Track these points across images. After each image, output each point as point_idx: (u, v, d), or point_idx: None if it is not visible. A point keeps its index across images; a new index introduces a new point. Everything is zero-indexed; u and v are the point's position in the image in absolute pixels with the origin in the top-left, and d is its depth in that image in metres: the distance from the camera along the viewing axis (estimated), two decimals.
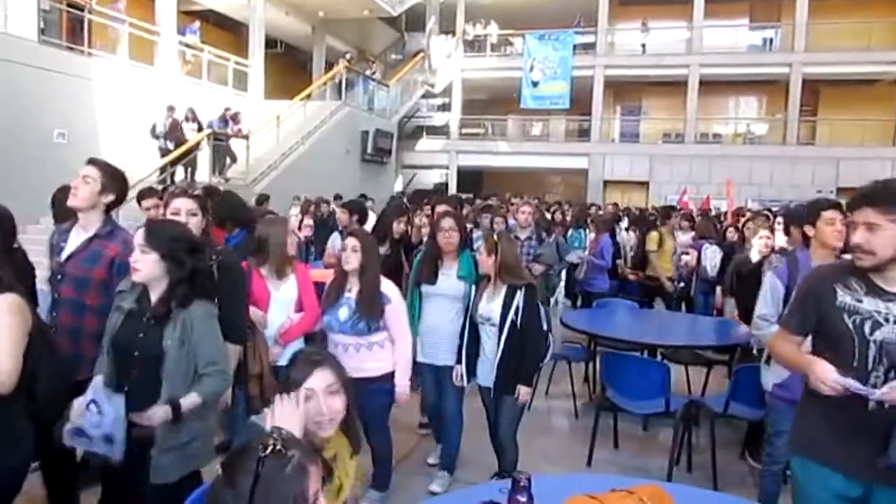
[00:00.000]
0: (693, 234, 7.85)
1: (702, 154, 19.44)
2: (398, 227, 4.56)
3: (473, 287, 3.48)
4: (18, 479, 2.04)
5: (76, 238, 2.65)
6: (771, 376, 3.00)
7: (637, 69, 20.53)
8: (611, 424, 4.22)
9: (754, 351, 3.47)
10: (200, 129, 11.95)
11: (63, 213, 2.91)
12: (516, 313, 3.21)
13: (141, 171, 10.07)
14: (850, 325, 1.91)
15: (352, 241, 3.16)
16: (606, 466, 3.93)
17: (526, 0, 20.64)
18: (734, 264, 4.86)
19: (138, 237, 2.19)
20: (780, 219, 4.95)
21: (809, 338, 2.36)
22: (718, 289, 6.11)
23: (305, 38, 19.59)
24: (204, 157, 11.88)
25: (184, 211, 2.75)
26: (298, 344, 3.26)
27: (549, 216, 9.63)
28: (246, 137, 12.74)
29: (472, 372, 3.44)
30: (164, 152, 11.30)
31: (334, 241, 5.03)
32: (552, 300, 5.73)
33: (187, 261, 2.18)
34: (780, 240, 4.39)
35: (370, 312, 3.08)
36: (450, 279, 3.60)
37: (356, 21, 19.18)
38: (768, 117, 21.68)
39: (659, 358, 4.56)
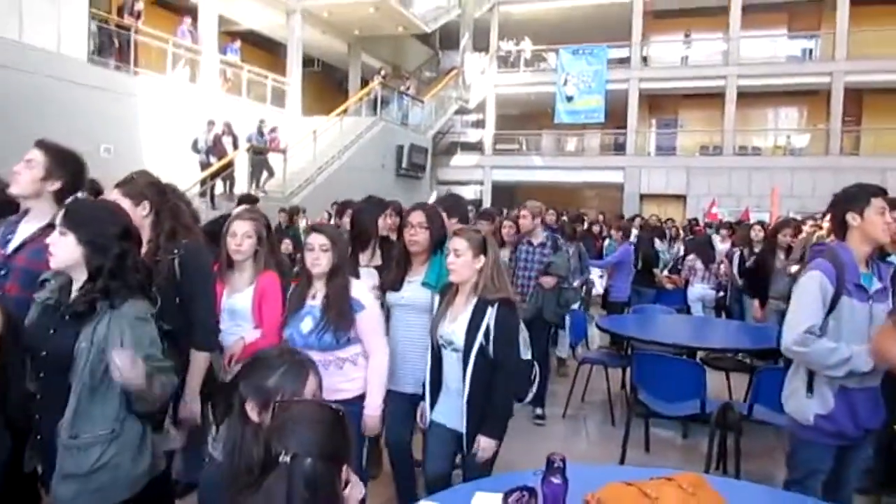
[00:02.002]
0: (730, 243, 7.76)
1: (741, 166, 19.08)
2: (384, 222, 3.59)
3: (437, 298, 2.78)
4: None
5: (26, 229, 2.30)
6: (814, 406, 2.51)
7: (673, 81, 20.34)
8: (652, 430, 4.13)
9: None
10: (236, 142, 12.24)
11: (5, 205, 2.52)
12: (486, 337, 2.48)
13: (182, 184, 10.31)
14: None
15: (319, 239, 2.61)
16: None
17: (559, 15, 20.72)
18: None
19: (59, 215, 1.91)
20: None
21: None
22: (755, 302, 6.00)
23: (341, 56, 19.95)
24: (242, 171, 12.16)
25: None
26: None
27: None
28: (283, 152, 13.00)
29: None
30: (205, 166, 11.60)
31: None
32: (567, 319, 5.11)
33: (113, 247, 1.85)
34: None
35: (337, 322, 2.55)
36: (415, 286, 2.97)
37: (391, 38, 19.47)
38: (810, 127, 21.20)
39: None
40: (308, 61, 18.22)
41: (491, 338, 2.47)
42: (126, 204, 2.29)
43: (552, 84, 20.43)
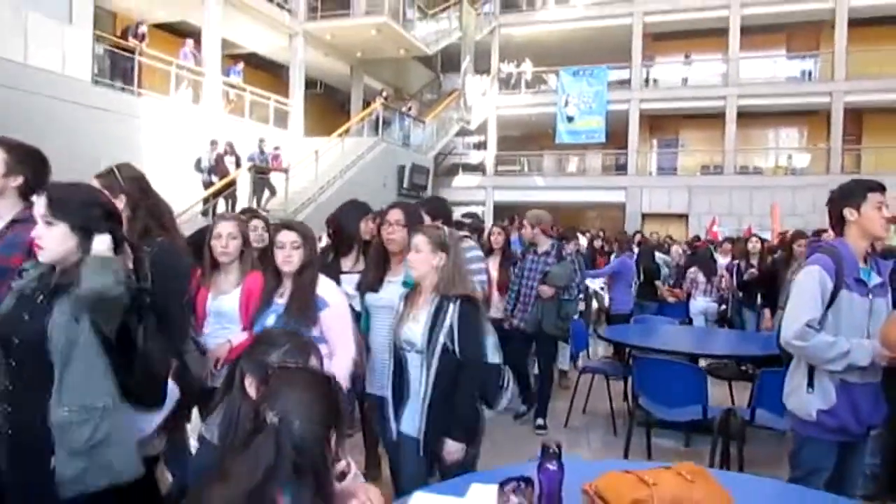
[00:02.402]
0: (731, 256, 7.75)
1: (742, 185, 19.11)
2: (367, 226, 3.42)
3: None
4: None
5: None
6: (816, 402, 2.48)
7: (673, 102, 20.48)
8: (654, 440, 4.07)
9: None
10: (238, 162, 12.31)
11: None
12: (450, 336, 2.34)
13: (184, 203, 10.37)
14: None
15: (290, 236, 2.57)
16: None
17: (560, 38, 20.94)
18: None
19: (39, 206, 1.77)
20: None
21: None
22: (766, 311, 5.96)
23: (344, 79, 20.13)
24: (244, 190, 12.21)
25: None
26: None
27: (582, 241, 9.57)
28: (285, 171, 13.07)
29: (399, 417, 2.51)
30: (207, 185, 11.66)
31: None
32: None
33: (102, 228, 1.79)
34: None
35: (298, 318, 2.48)
36: (394, 287, 2.82)
37: (393, 61, 19.66)
38: (810, 147, 21.27)
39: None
40: (310, 83, 18.39)
41: (455, 337, 2.34)
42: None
43: (553, 105, 20.58)
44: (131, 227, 2.30)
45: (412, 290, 2.54)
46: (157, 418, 2.10)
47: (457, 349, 2.34)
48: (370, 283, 2.92)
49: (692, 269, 7.32)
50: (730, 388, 5.00)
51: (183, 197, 10.94)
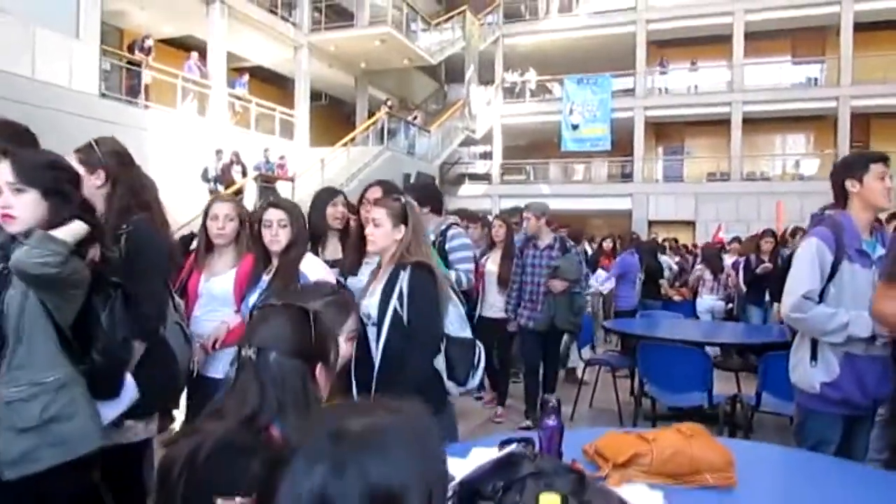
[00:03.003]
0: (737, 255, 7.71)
1: (749, 191, 19.04)
2: (334, 210, 3.10)
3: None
4: None
5: None
6: (819, 374, 2.44)
7: (678, 108, 20.47)
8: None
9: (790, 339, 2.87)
10: (244, 171, 12.38)
11: None
12: (399, 301, 2.26)
13: (191, 213, 10.42)
14: None
15: (277, 214, 2.54)
16: None
17: (564, 47, 21.03)
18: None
19: (4, 173, 1.68)
20: None
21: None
22: (776, 305, 5.90)
23: (348, 90, 20.27)
24: (250, 199, 12.27)
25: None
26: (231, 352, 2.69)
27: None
28: (291, 180, 13.15)
29: None
30: (214, 194, 11.73)
31: None
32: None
33: (73, 193, 1.73)
34: None
35: (278, 292, 2.38)
36: (373, 268, 2.70)
37: (397, 72, 19.79)
38: (818, 152, 21.19)
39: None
40: (316, 95, 18.51)
41: (404, 302, 2.25)
42: (80, 172, 2.07)
43: (558, 113, 20.62)
44: (110, 203, 2.18)
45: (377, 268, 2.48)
46: (109, 413, 1.91)
47: (405, 314, 2.25)
48: (349, 266, 2.83)
49: (699, 267, 7.28)
50: (737, 380, 4.93)
51: (190, 206, 10.99)
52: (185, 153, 12.53)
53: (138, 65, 12.48)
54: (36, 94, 10.16)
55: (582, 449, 1.76)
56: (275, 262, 2.58)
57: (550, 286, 4.57)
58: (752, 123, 19.39)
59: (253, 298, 2.52)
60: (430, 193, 3.60)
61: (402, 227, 2.35)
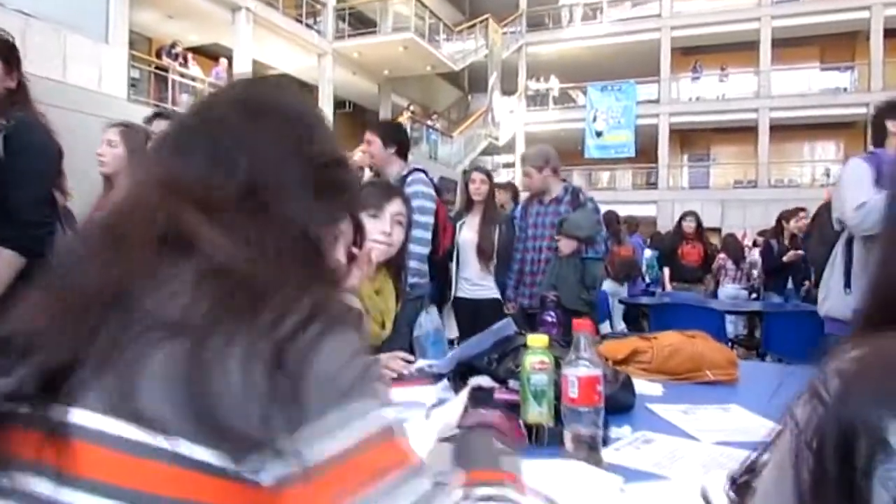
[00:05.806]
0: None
1: (777, 198, 18.69)
2: None
3: None
4: None
5: None
6: (854, 301, 2.28)
7: (703, 115, 20.27)
8: None
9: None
10: None
11: None
12: None
13: None
14: None
15: None
16: None
17: (587, 54, 20.99)
18: None
19: None
20: None
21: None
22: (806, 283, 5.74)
23: (372, 97, 20.45)
24: None
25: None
26: None
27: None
28: None
29: None
30: None
31: None
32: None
33: None
34: None
35: None
36: None
37: (420, 79, 19.92)
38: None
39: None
40: (339, 103, 18.72)
41: None
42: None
43: (581, 120, 20.54)
44: None
45: None
46: None
47: None
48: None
49: (721, 256, 7.13)
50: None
51: None
52: None
53: (166, 70, 12.73)
54: (66, 97, 10.39)
55: None
56: None
57: (560, 246, 3.38)
58: (780, 130, 19.10)
59: None
60: (396, 133, 3.38)
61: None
